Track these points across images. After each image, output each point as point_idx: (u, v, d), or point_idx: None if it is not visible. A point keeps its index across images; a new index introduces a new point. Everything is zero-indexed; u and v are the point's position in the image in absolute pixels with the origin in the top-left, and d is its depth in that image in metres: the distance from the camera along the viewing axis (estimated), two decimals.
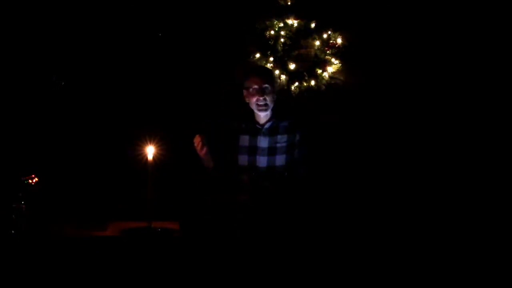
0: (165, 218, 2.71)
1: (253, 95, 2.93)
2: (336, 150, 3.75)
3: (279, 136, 2.96)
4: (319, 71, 3.78)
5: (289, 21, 3.79)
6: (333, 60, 3.79)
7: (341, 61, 3.79)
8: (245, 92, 2.99)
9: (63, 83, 3.69)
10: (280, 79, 3.76)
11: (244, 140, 3.00)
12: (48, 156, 3.57)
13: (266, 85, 2.92)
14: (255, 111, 2.97)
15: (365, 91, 3.80)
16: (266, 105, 2.93)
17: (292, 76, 3.79)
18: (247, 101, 2.99)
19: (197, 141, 2.88)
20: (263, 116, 2.98)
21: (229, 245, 2.86)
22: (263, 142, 2.96)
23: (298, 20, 3.80)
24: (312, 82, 3.78)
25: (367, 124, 3.80)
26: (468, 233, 3.49)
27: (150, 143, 2.61)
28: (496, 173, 3.65)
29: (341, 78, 3.80)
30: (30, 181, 2.62)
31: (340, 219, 3.53)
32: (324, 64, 3.79)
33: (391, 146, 3.76)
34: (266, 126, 2.98)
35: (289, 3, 3.82)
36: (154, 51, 3.75)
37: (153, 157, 2.57)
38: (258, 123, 3.00)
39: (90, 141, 3.67)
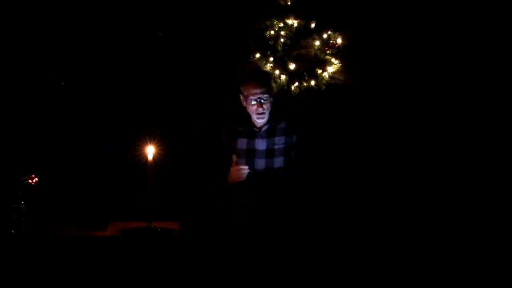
0: (165, 218, 2.71)
1: (251, 104, 2.90)
2: (336, 150, 3.75)
3: (276, 138, 2.94)
4: (319, 71, 3.77)
5: (289, 21, 3.78)
6: (333, 60, 3.78)
7: (341, 61, 3.78)
8: (242, 97, 2.96)
9: (63, 83, 3.69)
10: (280, 79, 3.76)
11: (242, 143, 2.98)
12: (48, 156, 3.57)
13: (265, 95, 2.88)
14: (253, 117, 2.95)
15: (365, 91, 3.80)
16: (264, 113, 2.91)
17: (292, 76, 3.78)
18: (245, 106, 2.97)
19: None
20: (260, 121, 2.96)
21: (229, 245, 2.86)
22: (260, 144, 2.94)
23: (298, 20, 3.79)
24: (312, 82, 3.77)
25: (367, 124, 3.80)
26: (468, 233, 3.49)
27: (150, 143, 2.61)
28: (496, 173, 3.65)
29: (341, 78, 3.79)
30: (30, 181, 2.62)
31: (340, 219, 3.53)
32: (324, 64, 3.78)
33: (391, 146, 3.76)
34: (264, 128, 2.96)
35: (289, 3, 3.81)
36: (154, 51, 3.75)
37: (153, 157, 2.58)
38: (255, 126, 2.98)
39: (90, 141, 3.67)
